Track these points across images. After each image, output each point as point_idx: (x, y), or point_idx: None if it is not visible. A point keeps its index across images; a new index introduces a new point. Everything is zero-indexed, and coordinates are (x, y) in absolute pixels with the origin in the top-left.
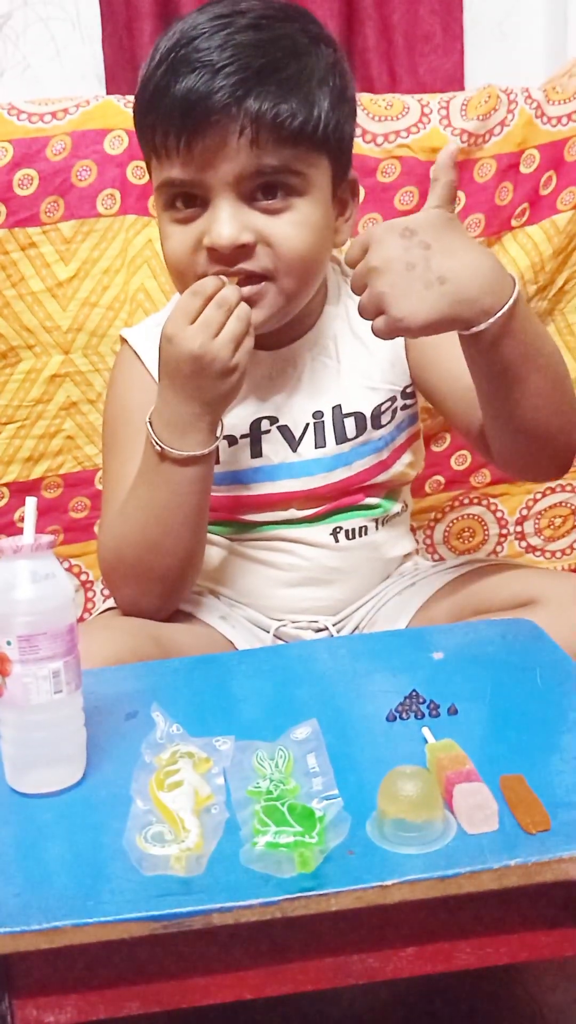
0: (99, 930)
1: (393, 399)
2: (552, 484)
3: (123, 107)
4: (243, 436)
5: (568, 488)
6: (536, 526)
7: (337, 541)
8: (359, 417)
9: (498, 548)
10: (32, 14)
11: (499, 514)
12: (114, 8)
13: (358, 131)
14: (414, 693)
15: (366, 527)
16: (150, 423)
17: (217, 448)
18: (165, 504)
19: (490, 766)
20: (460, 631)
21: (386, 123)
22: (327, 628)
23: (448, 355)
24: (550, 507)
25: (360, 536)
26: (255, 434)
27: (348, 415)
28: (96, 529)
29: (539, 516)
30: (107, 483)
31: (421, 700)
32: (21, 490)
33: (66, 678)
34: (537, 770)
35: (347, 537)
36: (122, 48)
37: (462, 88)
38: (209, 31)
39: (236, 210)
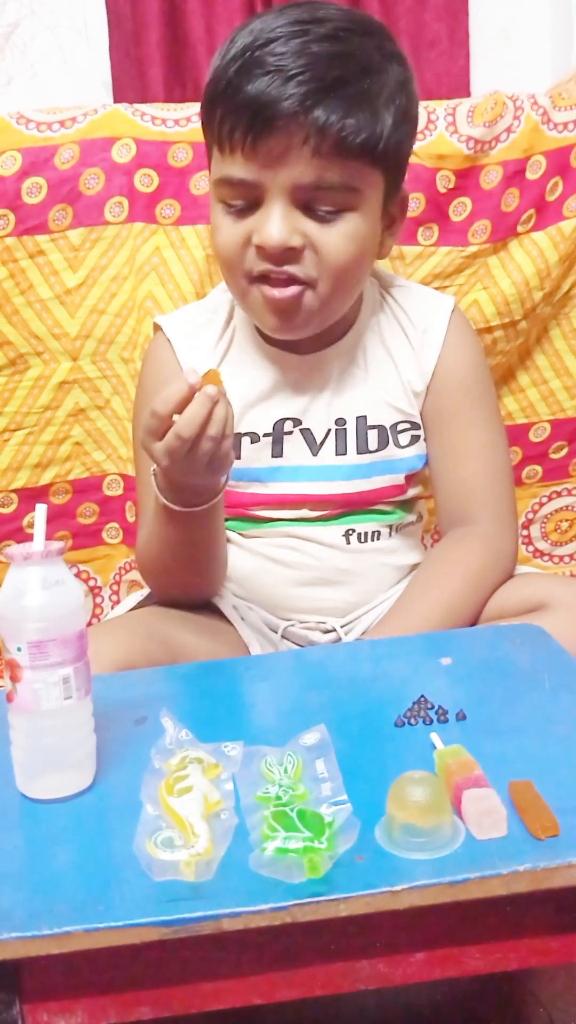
0: (109, 935)
1: (413, 424)
2: (557, 488)
3: (130, 115)
4: (265, 435)
5: (574, 492)
6: (543, 530)
7: (348, 543)
8: (382, 430)
9: None
10: (40, 23)
11: None
12: (121, 17)
13: None
14: (423, 698)
15: (379, 532)
16: (154, 473)
17: (238, 449)
18: (173, 539)
19: (499, 771)
20: (468, 636)
21: None
22: (335, 630)
23: (455, 438)
24: (556, 511)
25: (372, 540)
26: (277, 434)
27: (372, 427)
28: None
29: (545, 520)
30: (141, 477)
31: (430, 705)
32: (30, 496)
33: (76, 684)
34: (546, 776)
35: (359, 540)
36: (129, 57)
37: (468, 93)
38: (287, 36)
39: (288, 214)
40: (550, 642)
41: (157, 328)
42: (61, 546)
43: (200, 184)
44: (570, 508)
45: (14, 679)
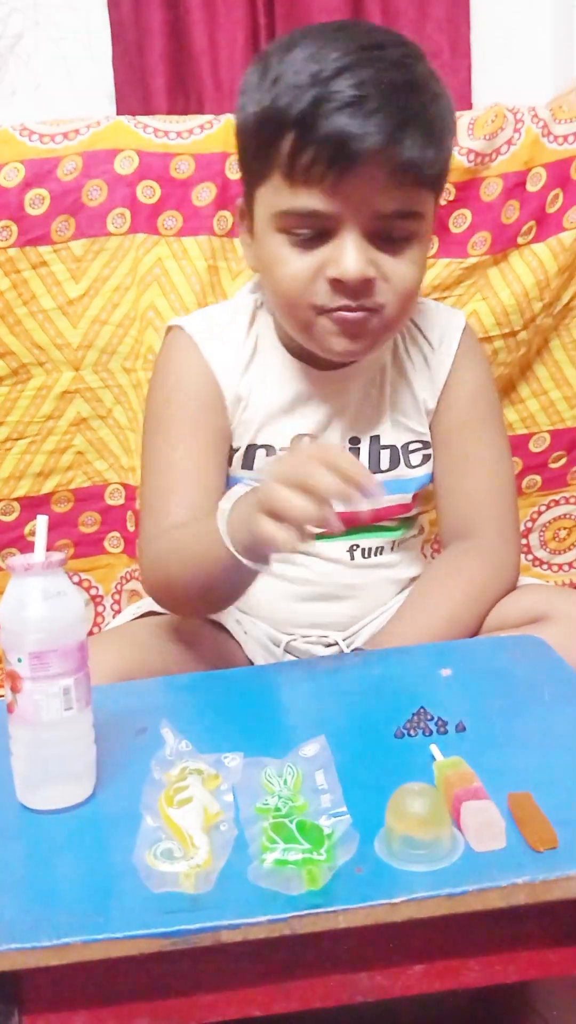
0: (108, 947)
1: (424, 443)
2: (556, 496)
3: (133, 127)
4: (282, 449)
5: (572, 500)
6: (541, 539)
7: (352, 559)
8: (394, 451)
9: None
10: (43, 35)
11: None
12: (124, 29)
13: None
14: (422, 710)
15: (382, 547)
16: (230, 508)
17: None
18: (200, 571)
19: (498, 784)
20: (468, 648)
21: None
22: (337, 643)
23: (465, 460)
24: (554, 519)
25: (375, 556)
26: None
27: (385, 447)
28: (140, 515)
29: (544, 528)
30: (153, 468)
31: (429, 717)
32: (32, 504)
33: (76, 695)
34: (545, 788)
35: (363, 556)
36: (132, 69)
37: (469, 105)
38: (357, 64)
39: (363, 246)
40: (550, 654)
41: (172, 330)
42: (62, 557)
43: (202, 195)
44: (568, 516)
45: (14, 690)
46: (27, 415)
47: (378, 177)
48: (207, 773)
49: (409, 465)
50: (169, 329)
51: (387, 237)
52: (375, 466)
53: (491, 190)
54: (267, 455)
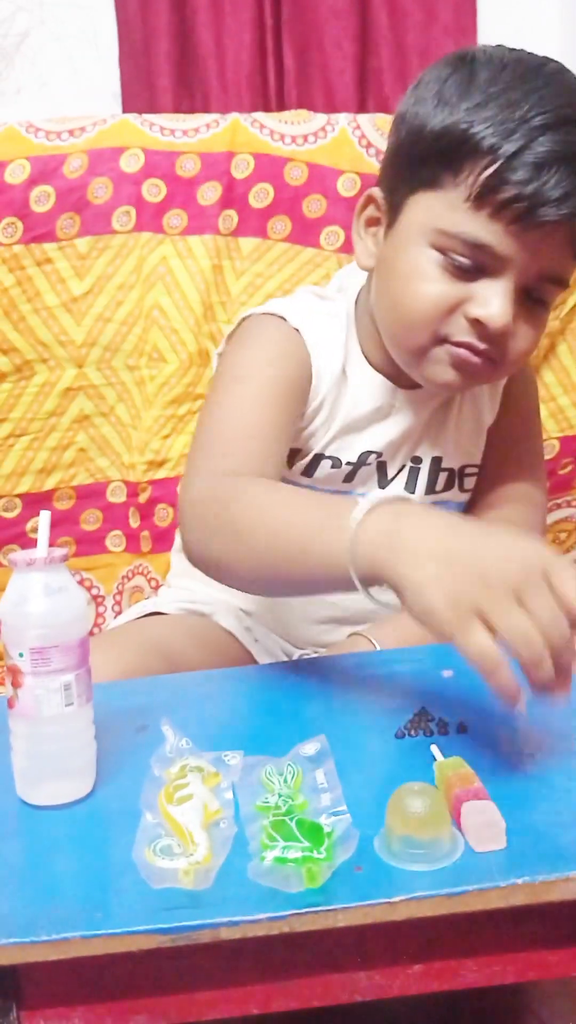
0: (107, 942)
1: (477, 468)
2: (558, 500)
3: (139, 126)
4: (347, 463)
5: (574, 503)
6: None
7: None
8: (451, 473)
9: None
10: (49, 33)
11: None
12: (131, 28)
13: (372, 151)
14: (423, 710)
15: None
16: (363, 520)
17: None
18: (288, 556)
19: (498, 785)
20: None
21: None
22: None
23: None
24: (555, 523)
25: None
26: (359, 464)
27: (444, 470)
28: (192, 454)
29: (546, 531)
30: (225, 411)
31: (430, 717)
32: (34, 501)
33: (77, 691)
34: (546, 789)
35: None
36: (138, 67)
37: None
38: (564, 121)
39: (515, 297)
40: None
41: (269, 317)
42: (64, 552)
43: (207, 194)
44: (570, 520)
45: (15, 685)
46: (30, 412)
47: (561, 241)
48: (207, 771)
49: (462, 489)
50: (262, 316)
51: (532, 296)
52: (431, 487)
53: None
54: (332, 467)
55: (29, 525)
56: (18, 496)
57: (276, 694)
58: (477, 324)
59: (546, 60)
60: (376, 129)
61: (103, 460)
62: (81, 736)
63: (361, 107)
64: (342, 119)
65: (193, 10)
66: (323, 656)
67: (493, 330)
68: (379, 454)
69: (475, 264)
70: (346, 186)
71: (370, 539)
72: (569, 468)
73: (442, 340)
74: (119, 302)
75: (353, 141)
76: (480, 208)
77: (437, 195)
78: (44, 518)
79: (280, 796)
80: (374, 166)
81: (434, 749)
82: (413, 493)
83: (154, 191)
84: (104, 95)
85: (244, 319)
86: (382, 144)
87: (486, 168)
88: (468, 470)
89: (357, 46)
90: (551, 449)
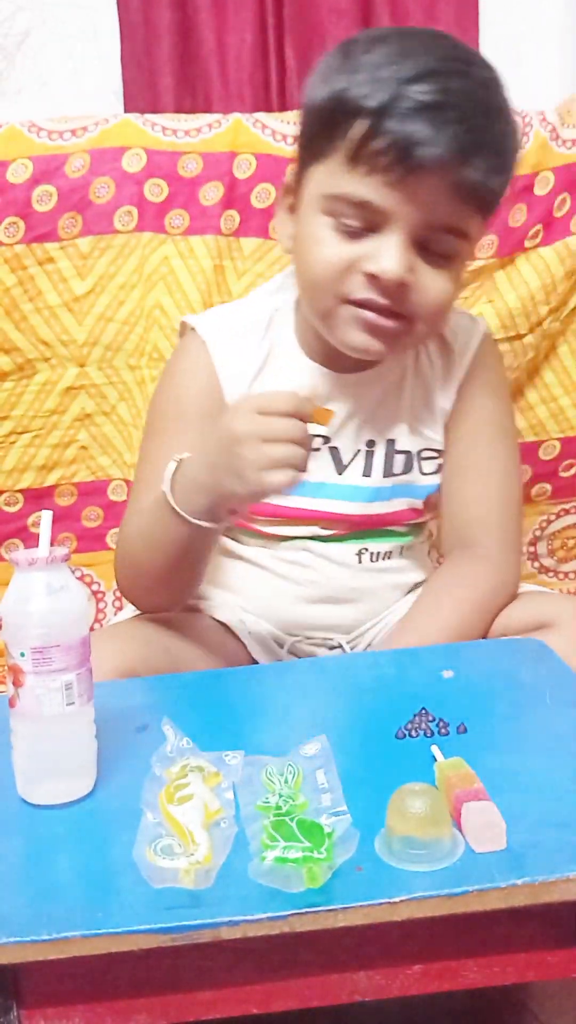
0: (107, 942)
1: (437, 452)
2: (566, 505)
3: (141, 125)
4: None
5: None
6: (549, 547)
7: (360, 562)
8: (408, 456)
9: None
10: (51, 32)
11: None
12: (132, 27)
13: None
14: (423, 711)
15: (390, 552)
16: (177, 463)
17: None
18: (160, 545)
19: (499, 785)
20: (471, 650)
21: None
22: (341, 646)
23: (471, 470)
24: (562, 529)
25: (383, 560)
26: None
27: (400, 452)
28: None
29: (552, 538)
30: (142, 466)
31: (430, 718)
32: (35, 496)
33: (78, 690)
34: (546, 790)
35: (371, 559)
36: (140, 66)
37: None
38: (447, 72)
39: (407, 248)
40: (552, 657)
41: (186, 328)
42: (66, 552)
43: (209, 195)
44: None
45: (16, 684)
46: (32, 410)
47: (439, 187)
48: (208, 770)
49: (422, 472)
50: (183, 327)
51: (430, 249)
52: (388, 470)
53: None
54: None
55: (30, 520)
56: (20, 491)
57: (277, 694)
58: (373, 279)
59: (427, 29)
60: None
61: (104, 459)
62: (82, 735)
63: None
64: None
65: (195, 9)
66: (323, 656)
67: (387, 282)
68: (326, 439)
69: (364, 223)
70: None
71: (177, 488)
72: (573, 470)
73: (344, 300)
74: (121, 302)
75: None
76: (356, 165)
77: (324, 164)
78: (46, 518)
79: (281, 796)
80: None
81: (435, 749)
82: (370, 477)
83: (156, 191)
84: (106, 95)
85: (181, 326)
86: None
87: (360, 126)
88: (426, 453)
89: None
90: (552, 450)
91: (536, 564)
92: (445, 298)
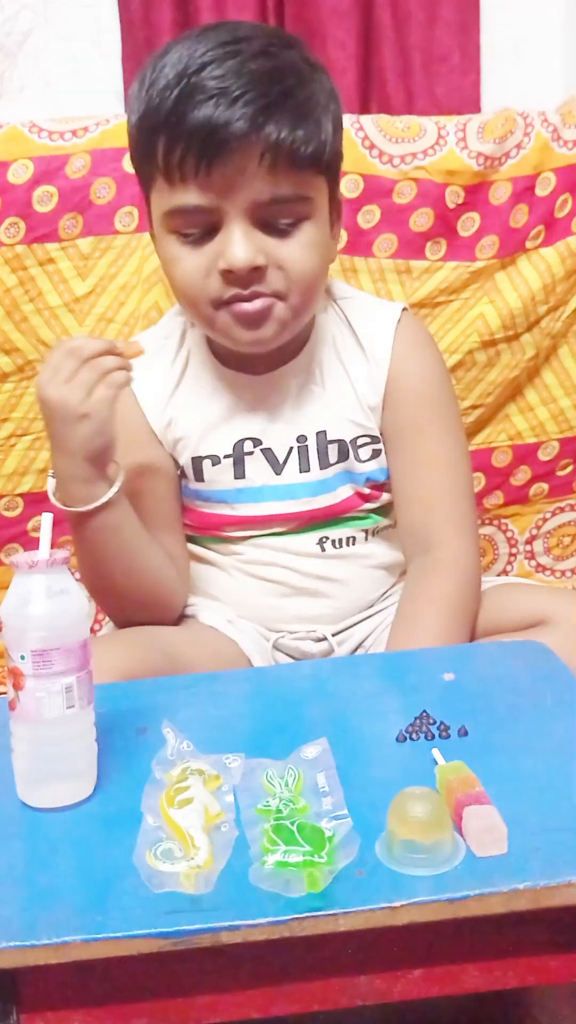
0: (107, 946)
1: (372, 438)
2: (561, 504)
3: None
4: (226, 456)
5: None
6: (545, 545)
7: (324, 550)
8: (342, 444)
9: (508, 567)
10: (52, 32)
11: (509, 534)
12: (134, 27)
13: (375, 151)
14: (424, 714)
15: (354, 537)
16: (52, 477)
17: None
18: (83, 549)
19: (500, 789)
20: (471, 653)
21: (402, 144)
22: (326, 639)
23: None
24: (559, 526)
25: (348, 545)
26: (238, 455)
27: (332, 442)
28: None
29: (548, 536)
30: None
31: (431, 721)
32: (35, 500)
33: (78, 693)
34: (547, 793)
35: (334, 546)
36: (141, 66)
37: (478, 109)
38: (220, 57)
39: (249, 234)
40: (553, 660)
41: None
42: (66, 555)
43: None
44: (573, 524)
45: (17, 687)
46: (32, 411)
47: (249, 164)
48: (208, 774)
49: (359, 459)
50: None
51: (275, 224)
52: (325, 461)
53: (500, 194)
54: (213, 465)
55: (30, 525)
56: (20, 495)
57: (277, 697)
58: (229, 275)
59: (207, 25)
60: (379, 130)
61: None
62: (82, 738)
63: (364, 107)
64: (344, 119)
65: (196, 9)
66: (323, 659)
67: (240, 270)
68: (257, 440)
69: (202, 229)
70: (348, 187)
71: (60, 495)
72: (569, 469)
73: (217, 305)
74: (121, 303)
75: (356, 142)
76: (171, 178)
77: (154, 188)
78: (46, 521)
79: (281, 800)
80: (377, 167)
81: (436, 753)
82: (309, 471)
83: None
84: (107, 94)
85: None
86: (385, 145)
87: (162, 141)
88: (361, 440)
89: (360, 46)
90: (551, 451)
91: (533, 562)
92: (307, 265)
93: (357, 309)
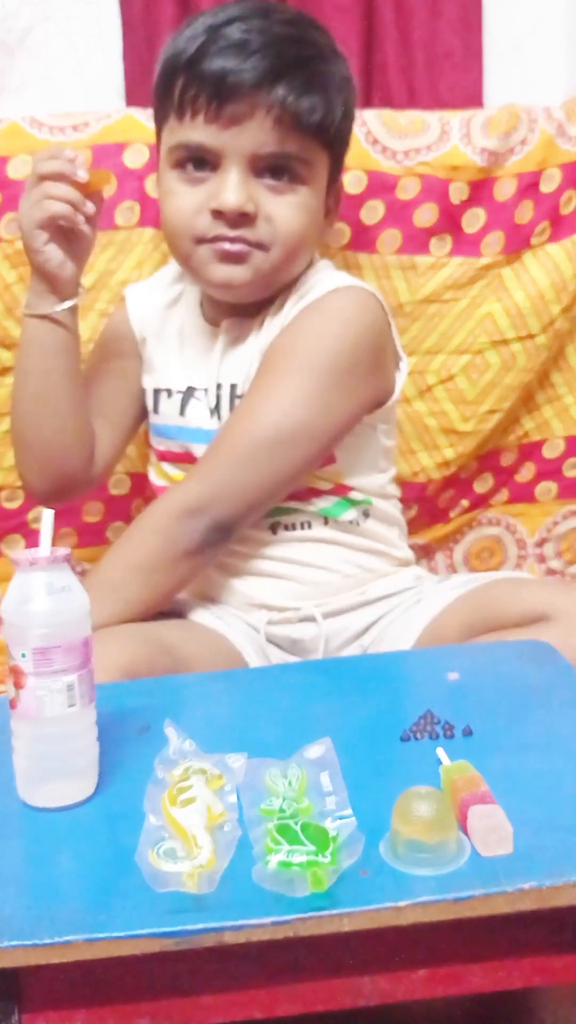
0: (110, 946)
1: None
2: (573, 507)
3: (143, 121)
4: (177, 392)
5: None
6: (557, 549)
7: (275, 533)
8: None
9: (517, 570)
10: (54, 27)
11: (518, 535)
12: (135, 22)
13: (378, 147)
14: (429, 713)
15: (309, 522)
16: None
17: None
18: (18, 368)
19: (505, 788)
20: (476, 652)
21: (406, 139)
22: (315, 618)
23: None
24: (570, 531)
25: (303, 529)
26: (186, 396)
27: (239, 396)
28: None
29: (560, 539)
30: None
31: (436, 721)
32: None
33: (80, 691)
34: (552, 792)
35: (285, 529)
36: (142, 62)
37: (481, 105)
38: (249, 15)
39: (245, 180)
40: (557, 659)
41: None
42: (67, 552)
43: None
44: None
45: (18, 685)
46: None
47: (256, 115)
48: (211, 773)
49: None
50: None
51: (272, 179)
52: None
53: (505, 190)
54: (168, 398)
55: (31, 515)
56: (20, 488)
57: (280, 696)
58: (218, 215)
59: None
60: (382, 125)
61: None
62: (83, 737)
63: (366, 102)
64: None
65: (197, 4)
66: (328, 658)
67: (230, 213)
68: (205, 387)
69: (203, 167)
70: (352, 182)
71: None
72: None
73: (199, 241)
74: (122, 298)
75: (359, 137)
76: (183, 115)
77: (166, 124)
78: (47, 517)
79: (284, 799)
80: (380, 162)
81: (440, 752)
82: (221, 420)
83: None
84: (108, 90)
85: None
86: (388, 140)
87: (180, 81)
88: None
89: (362, 42)
90: (556, 448)
91: (544, 566)
92: (294, 224)
93: (317, 279)
